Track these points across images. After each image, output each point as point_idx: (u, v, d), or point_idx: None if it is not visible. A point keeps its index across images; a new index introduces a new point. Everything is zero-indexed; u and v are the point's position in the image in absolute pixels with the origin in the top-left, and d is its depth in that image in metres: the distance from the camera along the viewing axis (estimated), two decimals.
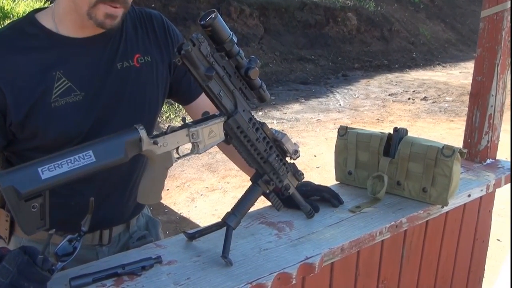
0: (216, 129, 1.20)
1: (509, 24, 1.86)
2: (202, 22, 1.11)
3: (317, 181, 1.60)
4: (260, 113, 6.91)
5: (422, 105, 8.17)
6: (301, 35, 10.86)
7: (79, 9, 1.18)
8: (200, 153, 1.18)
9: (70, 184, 1.03)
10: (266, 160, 1.28)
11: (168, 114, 6.22)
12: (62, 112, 1.21)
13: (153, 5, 8.66)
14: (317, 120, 7.01)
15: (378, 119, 7.23)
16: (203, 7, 9.55)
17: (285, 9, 10.70)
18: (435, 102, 8.38)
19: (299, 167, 1.39)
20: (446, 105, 8.18)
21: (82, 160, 1.03)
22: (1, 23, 5.12)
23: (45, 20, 1.23)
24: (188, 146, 1.17)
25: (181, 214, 4.04)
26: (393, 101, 8.37)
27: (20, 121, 1.19)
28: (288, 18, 10.77)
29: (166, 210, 4.01)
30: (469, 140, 2.02)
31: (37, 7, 5.62)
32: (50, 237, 1.06)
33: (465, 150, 1.57)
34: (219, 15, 1.12)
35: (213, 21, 1.10)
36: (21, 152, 1.28)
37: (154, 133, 1.19)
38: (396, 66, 11.38)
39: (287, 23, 10.75)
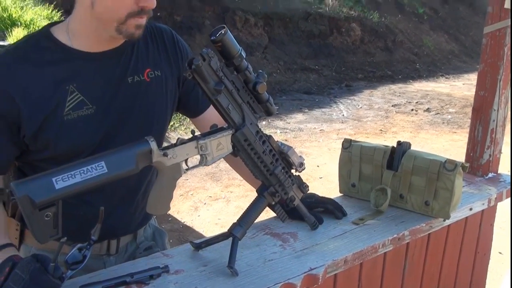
0: (224, 141, 1.23)
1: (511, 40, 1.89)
2: (212, 38, 1.15)
3: (320, 192, 1.63)
4: (264, 122, 6.95)
5: (425, 116, 8.20)
6: (305, 45, 10.92)
7: (106, 26, 1.22)
8: (208, 165, 1.21)
9: (80, 194, 1.06)
10: (272, 172, 1.31)
11: (172, 123, 6.26)
12: (74, 125, 1.25)
13: (158, 14, 8.73)
14: (320, 130, 7.03)
15: (381, 130, 7.25)
16: (208, 16, 9.63)
17: (290, 19, 10.77)
18: (438, 113, 8.40)
19: (302, 178, 1.42)
20: (449, 116, 8.20)
21: (94, 170, 1.07)
22: (9, 30, 5.18)
23: (60, 34, 1.27)
24: (197, 157, 1.20)
25: (185, 223, 4.06)
26: (396, 112, 8.40)
27: (34, 133, 1.22)
28: (292, 28, 10.84)
29: (170, 219, 4.04)
30: (471, 154, 2.05)
31: (45, 15, 5.70)
32: (61, 245, 1.09)
33: (467, 164, 1.59)
34: (228, 31, 1.16)
35: (223, 36, 1.14)
36: (33, 162, 1.31)
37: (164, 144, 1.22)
38: (400, 77, 11.41)
39: (291, 33, 10.81)
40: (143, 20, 1.23)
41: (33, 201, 1.01)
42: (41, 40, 1.26)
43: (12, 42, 4.21)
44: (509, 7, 1.83)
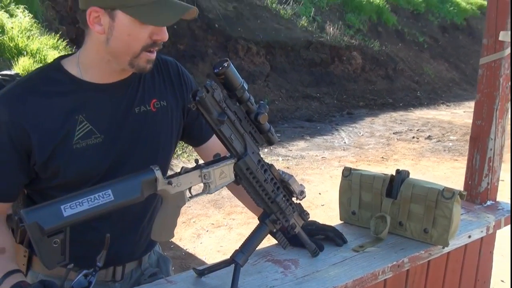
0: (226, 170, 1.27)
1: (506, 71, 1.95)
2: (215, 70, 1.20)
3: (322, 219, 1.66)
4: (266, 150, 6.99)
5: (427, 144, 8.24)
6: (307, 73, 11.02)
7: (120, 60, 1.27)
8: (212, 193, 1.25)
9: (87, 221, 1.10)
10: (274, 200, 1.34)
11: (175, 151, 6.28)
12: (83, 153, 1.29)
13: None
14: (322, 157, 7.07)
15: (382, 157, 7.28)
16: (211, 45, 9.75)
17: (291, 48, 10.89)
18: (439, 141, 8.44)
19: (304, 205, 1.45)
20: (450, 144, 8.24)
21: (101, 198, 1.10)
22: (16, 59, 5.26)
23: (70, 67, 1.32)
24: (200, 185, 1.24)
25: (187, 250, 4.07)
26: (397, 139, 8.44)
27: (44, 161, 1.27)
28: (294, 56, 10.96)
29: (172, 246, 4.05)
30: (469, 182, 2.08)
31: (50, 44, 5.78)
32: (68, 271, 1.13)
33: (465, 193, 1.62)
34: (231, 64, 1.21)
35: (226, 69, 1.19)
36: (41, 189, 1.35)
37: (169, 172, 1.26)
38: (401, 104, 11.49)
39: (293, 61, 10.93)
40: (153, 55, 1.29)
41: (42, 228, 1.04)
42: (52, 72, 1.32)
43: (19, 72, 4.29)
44: (503, 39, 1.89)
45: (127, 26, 1.23)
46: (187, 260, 3.90)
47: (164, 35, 1.27)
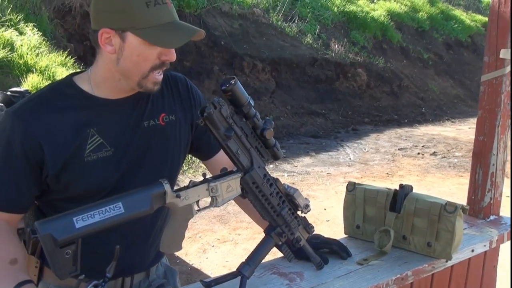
0: (233, 184, 1.30)
1: (507, 88, 1.98)
2: (223, 87, 1.24)
3: (327, 235, 1.68)
4: (271, 166, 7.02)
5: (432, 160, 8.25)
6: (312, 89, 11.09)
7: (129, 79, 1.32)
8: (219, 206, 1.29)
9: (98, 232, 1.13)
10: (279, 213, 1.38)
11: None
12: (94, 166, 1.33)
13: None
14: (327, 173, 7.09)
15: (387, 173, 7.30)
16: (216, 62, 9.84)
17: (297, 65, 10.97)
18: (444, 157, 8.45)
19: (310, 220, 1.49)
20: (456, 160, 8.24)
21: (112, 211, 1.14)
22: (25, 76, 5.34)
23: (82, 83, 1.37)
24: (207, 199, 1.27)
25: (193, 265, 4.09)
26: (402, 155, 8.45)
27: (56, 174, 1.31)
28: (299, 73, 11.03)
29: (178, 261, 4.06)
30: (472, 197, 2.11)
31: (59, 61, 5.86)
32: (79, 282, 1.16)
33: (467, 207, 1.65)
34: (238, 81, 1.25)
35: (233, 86, 1.23)
36: (52, 201, 1.39)
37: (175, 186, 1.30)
38: (406, 121, 11.51)
39: (298, 78, 11.00)
40: (160, 77, 1.34)
41: (55, 239, 1.08)
42: (64, 88, 1.37)
43: (28, 89, 4.36)
44: (504, 57, 1.93)
45: (137, 47, 1.27)
46: (193, 275, 3.91)
47: (172, 55, 1.32)
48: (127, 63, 1.29)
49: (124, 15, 1.25)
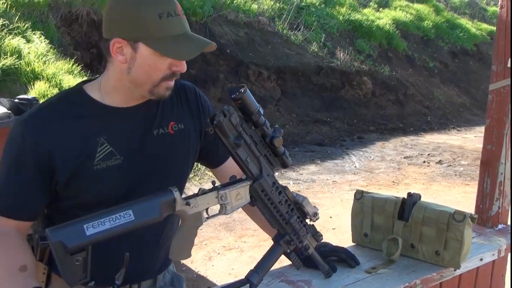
0: (242, 192, 1.31)
1: None
2: (233, 96, 1.25)
3: (333, 243, 1.68)
4: (277, 173, 7.02)
5: (437, 168, 8.22)
6: (317, 98, 11.09)
7: (140, 88, 1.33)
8: (228, 214, 1.29)
9: (108, 240, 1.14)
10: (288, 221, 1.38)
11: None
12: (103, 174, 1.34)
13: None
14: (332, 181, 7.08)
15: (393, 181, 7.28)
16: (222, 70, 9.86)
17: (302, 73, 10.99)
18: (450, 165, 8.42)
19: None
20: (461, 169, 8.22)
21: (122, 218, 1.14)
22: (32, 84, 5.37)
23: (92, 91, 1.38)
24: (216, 207, 1.28)
25: (199, 273, 4.08)
26: (408, 164, 8.43)
27: (65, 182, 1.32)
28: (304, 81, 11.04)
29: (184, 268, 4.06)
30: (480, 206, 2.10)
31: (66, 69, 5.89)
32: None
33: (476, 216, 1.65)
34: (248, 89, 1.25)
35: (242, 95, 1.24)
36: (62, 209, 1.39)
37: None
38: (411, 129, 11.49)
39: (304, 86, 11.01)
40: (172, 83, 1.35)
41: (65, 246, 1.08)
42: (74, 96, 1.38)
43: (35, 96, 4.39)
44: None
45: (148, 57, 1.28)
46: (198, 282, 3.91)
47: (183, 67, 1.33)
48: (138, 73, 1.30)
49: (136, 26, 1.25)
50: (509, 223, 2.11)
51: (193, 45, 1.29)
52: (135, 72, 1.30)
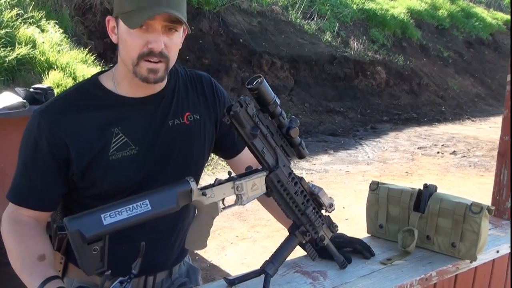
0: (258, 182, 1.30)
1: None
2: (249, 86, 1.24)
3: (346, 233, 1.67)
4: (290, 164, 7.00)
5: (452, 159, 8.17)
6: (331, 87, 11.05)
7: (128, 70, 1.33)
8: (244, 204, 1.29)
9: (125, 229, 1.14)
10: (303, 212, 1.38)
11: None
12: (118, 164, 1.34)
13: (187, 57, 8.98)
14: (346, 172, 7.06)
15: (407, 172, 7.25)
16: (235, 59, 9.85)
17: (315, 62, 10.94)
18: (464, 156, 8.37)
19: None
20: (476, 159, 8.16)
21: (139, 208, 1.15)
22: (46, 73, 5.40)
23: (106, 82, 1.38)
24: (232, 197, 1.28)
25: (212, 262, 4.11)
26: (422, 154, 8.38)
27: (81, 172, 1.32)
28: (318, 71, 11.00)
29: (197, 257, 4.08)
30: (497, 198, 2.08)
31: (80, 58, 5.92)
32: (106, 278, 1.17)
33: (493, 208, 1.63)
34: (264, 80, 1.25)
35: (259, 85, 1.23)
36: (79, 199, 1.40)
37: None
38: (425, 119, 11.42)
39: (317, 75, 10.97)
40: (156, 65, 1.30)
41: (83, 236, 1.09)
42: (90, 87, 1.38)
43: (50, 85, 4.42)
44: None
45: (124, 32, 1.29)
46: (211, 271, 3.93)
47: (155, 44, 1.28)
48: (121, 51, 1.33)
49: (117, 1, 1.28)
50: None
51: (145, 14, 1.24)
52: (121, 51, 1.32)
